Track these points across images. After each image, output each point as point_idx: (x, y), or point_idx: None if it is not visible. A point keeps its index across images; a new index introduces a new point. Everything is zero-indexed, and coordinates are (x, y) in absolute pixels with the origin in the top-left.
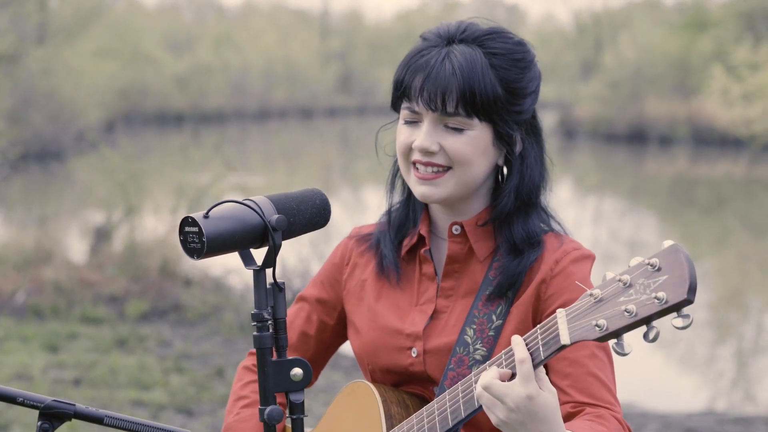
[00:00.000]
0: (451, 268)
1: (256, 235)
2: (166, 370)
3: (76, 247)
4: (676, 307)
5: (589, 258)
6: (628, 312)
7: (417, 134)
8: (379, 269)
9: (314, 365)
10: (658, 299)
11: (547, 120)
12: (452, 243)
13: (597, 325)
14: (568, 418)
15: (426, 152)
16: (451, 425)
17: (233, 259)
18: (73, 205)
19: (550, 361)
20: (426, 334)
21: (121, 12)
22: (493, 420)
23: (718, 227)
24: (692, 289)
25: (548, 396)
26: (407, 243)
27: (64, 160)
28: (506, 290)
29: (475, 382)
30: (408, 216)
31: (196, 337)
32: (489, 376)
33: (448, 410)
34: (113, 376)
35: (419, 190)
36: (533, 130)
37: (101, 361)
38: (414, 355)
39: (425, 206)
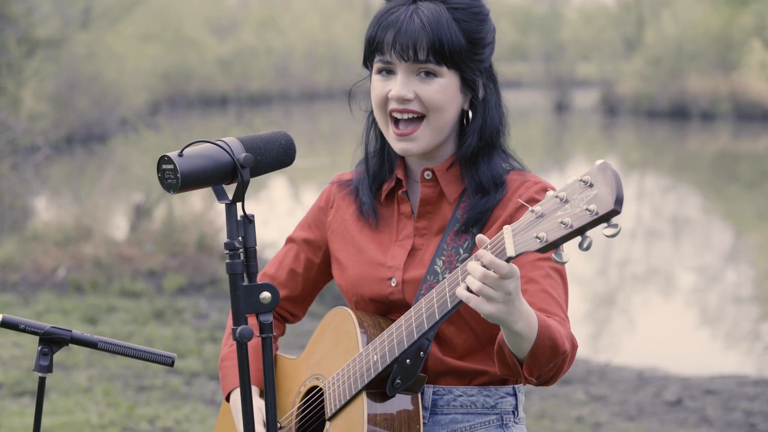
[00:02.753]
0: (425, 210)
1: (226, 172)
2: (201, 340)
3: (117, 225)
4: (605, 218)
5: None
6: (564, 224)
7: (391, 84)
8: (359, 214)
9: (302, 301)
10: (589, 211)
11: (590, 98)
12: (424, 187)
13: (537, 237)
14: None
15: (402, 100)
16: (426, 328)
17: (268, 233)
18: (114, 184)
19: None
20: (405, 266)
21: None
22: (489, 307)
23: (762, 202)
24: (619, 201)
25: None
26: (386, 187)
27: (108, 142)
28: (472, 225)
29: (450, 286)
30: (383, 164)
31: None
32: (489, 256)
33: (424, 315)
34: (149, 346)
35: (398, 146)
36: (491, 78)
37: (138, 332)
38: (393, 284)
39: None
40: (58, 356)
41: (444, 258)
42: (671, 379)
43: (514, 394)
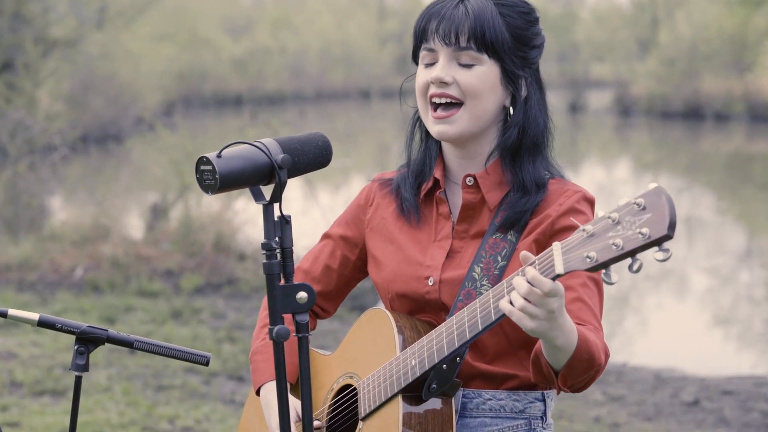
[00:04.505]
0: (466, 214)
1: (264, 173)
2: (219, 340)
3: (134, 224)
4: (658, 242)
5: (590, 200)
6: (615, 245)
7: (433, 71)
8: (400, 211)
9: (335, 297)
10: (642, 234)
11: (604, 98)
12: (466, 193)
13: (588, 257)
14: None
15: (441, 83)
16: (468, 337)
17: None
18: (130, 184)
19: None
20: (443, 267)
21: None
22: (531, 324)
23: None
24: (672, 226)
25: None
26: (425, 187)
27: (124, 142)
28: (512, 225)
29: (494, 298)
30: (425, 163)
31: (249, 309)
32: (533, 271)
33: (466, 325)
34: None
35: (436, 128)
36: (537, 83)
37: (156, 332)
38: (431, 283)
39: (440, 153)
40: None
41: (482, 265)
42: (688, 380)
43: (543, 400)
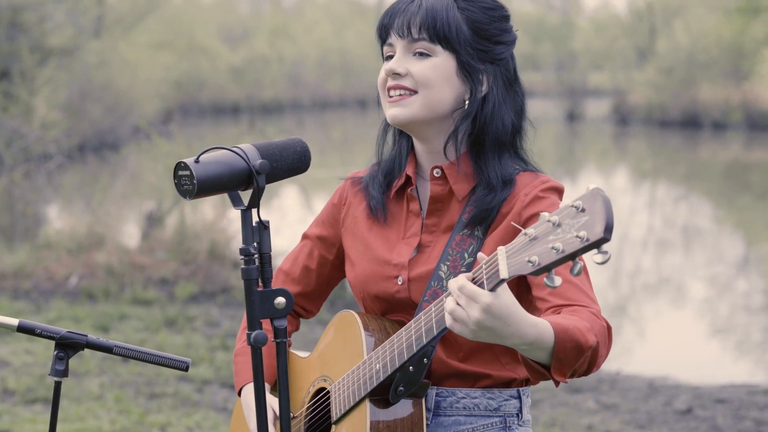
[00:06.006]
0: (434, 207)
1: (242, 178)
2: (212, 348)
3: (129, 233)
4: (596, 245)
5: (558, 189)
6: (555, 249)
7: (389, 64)
8: (368, 209)
9: (316, 297)
10: (580, 237)
11: (602, 107)
12: (434, 185)
13: (530, 261)
14: None
15: (395, 74)
16: (425, 342)
17: (280, 242)
18: (126, 192)
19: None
20: (411, 264)
21: (177, 4)
22: (465, 329)
23: None
24: (608, 229)
25: (507, 296)
26: (396, 184)
27: (121, 150)
28: (479, 223)
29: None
30: (395, 162)
31: (243, 317)
32: (462, 278)
33: (423, 329)
34: None
35: (389, 112)
36: (505, 80)
37: (150, 340)
38: (400, 282)
39: (411, 151)
40: (70, 363)
41: (449, 263)
42: (682, 388)
43: (518, 397)
